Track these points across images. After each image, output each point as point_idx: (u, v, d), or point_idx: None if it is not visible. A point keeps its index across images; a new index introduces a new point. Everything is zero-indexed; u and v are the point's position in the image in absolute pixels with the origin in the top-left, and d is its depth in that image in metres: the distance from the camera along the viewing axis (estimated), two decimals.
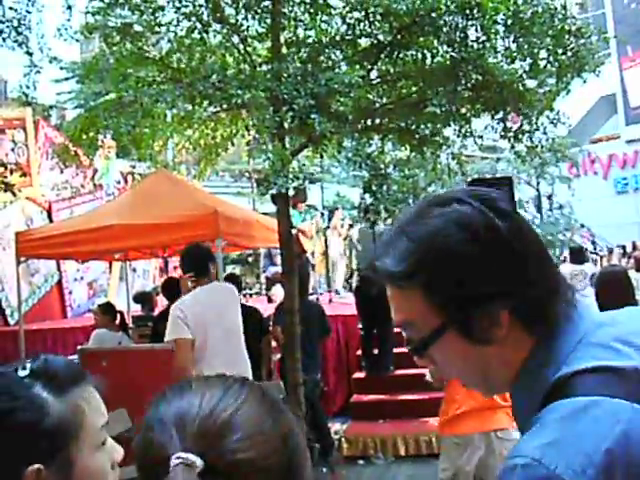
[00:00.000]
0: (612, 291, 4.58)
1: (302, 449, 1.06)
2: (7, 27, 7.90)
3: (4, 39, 8.06)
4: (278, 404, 1.06)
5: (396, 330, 9.14)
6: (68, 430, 1.29)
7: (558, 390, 1.11)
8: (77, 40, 7.79)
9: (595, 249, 23.07)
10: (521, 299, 1.18)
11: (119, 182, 16.11)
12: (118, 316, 8.56)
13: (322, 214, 14.93)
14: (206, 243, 7.91)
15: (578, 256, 11.52)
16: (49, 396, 1.29)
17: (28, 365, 1.33)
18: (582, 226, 23.70)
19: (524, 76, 6.85)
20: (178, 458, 0.93)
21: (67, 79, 8.12)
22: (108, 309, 8.61)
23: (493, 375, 1.26)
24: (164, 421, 0.99)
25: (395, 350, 9.29)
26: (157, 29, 7.15)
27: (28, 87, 7.67)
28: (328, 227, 14.77)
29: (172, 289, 8.64)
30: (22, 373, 1.32)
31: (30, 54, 7.99)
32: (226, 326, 5.36)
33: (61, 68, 7.83)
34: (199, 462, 0.92)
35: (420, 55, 6.85)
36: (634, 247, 20.22)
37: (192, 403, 1.00)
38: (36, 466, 1.23)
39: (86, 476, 1.31)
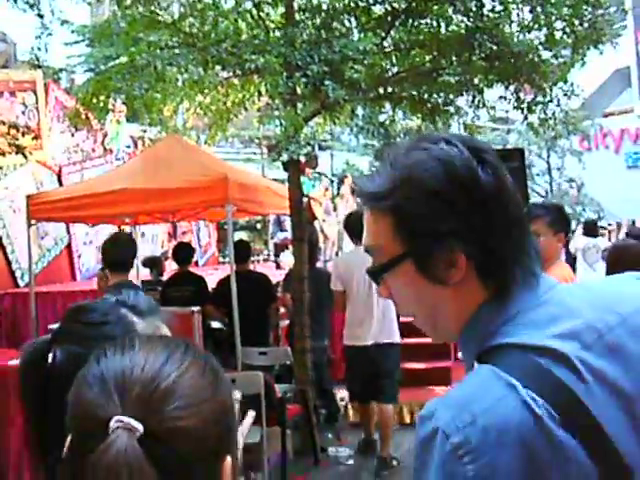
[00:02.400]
0: (625, 266, 4.56)
1: (235, 419, 1.08)
2: None
3: (15, 1, 8.03)
4: (218, 372, 1.06)
5: None
6: None
7: (484, 356, 1.15)
8: (89, 3, 7.76)
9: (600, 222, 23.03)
10: (481, 249, 1.20)
11: (129, 146, 16.08)
12: None
13: (332, 181, 14.91)
14: (215, 208, 7.94)
15: (591, 229, 11.48)
16: (134, 317, 1.54)
17: (112, 297, 1.57)
18: (591, 200, 23.60)
19: (539, 47, 6.80)
20: (118, 422, 0.92)
21: (78, 42, 8.08)
22: None
23: (442, 320, 1.28)
24: (105, 380, 0.97)
25: (402, 319, 9.32)
26: None
27: (39, 49, 7.66)
28: (338, 194, 14.76)
29: (183, 254, 8.70)
30: (109, 301, 1.56)
31: (41, 16, 7.96)
32: None
33: (72, 31, 7.80)
34: (140, 427, 0.92)
35: (435, 24, 6.80)
36: None
37: (135, 364, 0.98)
38: None
39: None
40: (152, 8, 7.08)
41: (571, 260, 11.10)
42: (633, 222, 21.20)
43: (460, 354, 1.28)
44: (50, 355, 1.47)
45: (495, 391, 1.05)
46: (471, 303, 1.23)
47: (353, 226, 7.17)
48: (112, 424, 0.92)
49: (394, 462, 6.81)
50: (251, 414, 3.04)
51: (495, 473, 0.99)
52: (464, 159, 1.19)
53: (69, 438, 0.99)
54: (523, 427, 1.01)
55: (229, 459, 1.01)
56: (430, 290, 1.24)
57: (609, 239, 17.27)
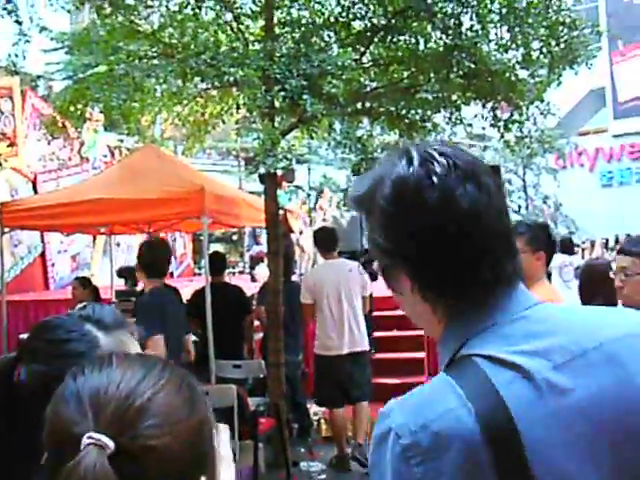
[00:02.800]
0: (595, 285, 4.61)
1: (211, 439, 1.06)
2: None
3: None
4: (196, 391, 1.06)
5: (376, 314, 9.21)
6: None
7: (448, 366, 1.19)
8: (68, 11, 7.72)
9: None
10: (421, 272, 1.22)
11: (106, 155, 16.01)
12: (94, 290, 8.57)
13: (308, 195, 14.93)
14: (191, 220, 7.91)
15: (567, 247, 11.56)
16: (98, 333, 1.51)
17: (77, 312, 1.56)
18: (566, 217, 23.83)
19: (516, 66, 6.88)
20: (90, 438, 0.92)
21: (56, 49, 8.04)
22: (87, 283, 8.59)
23: (427, 327, 1.30)
24: (80, 396, 0.98)
25: (376, 334, 9.33)
26: (150, 2, 7.12)
27: (17, 56, 7.61)
28: (314, 208, 14.77)
29: None
30: (74, 316, 1.55)
31: (19, 23, 7.91)
32: None
33: (51, 39, 7.75)
34: (111, 444, 0.92)
35: (414, 40, 6.86)
36: (617, 241, 20.34)
37: (111, 381, 0.98)
38: None
39: None
40: (132, 18, 7.07)
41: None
42: (606, 240, 21.39)
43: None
44: (15, 373, 1.46)
45: (448, 400, 1.09)
46: (441, 316, 1.25)
47: (322, 240, 7.48)
48: (84, 440, 0.92)
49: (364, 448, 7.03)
50: (224, 427, 3.02)
51: (440, 477, 1.05)
52: (414, 181, 1.20)
53: (45, 453, 0.99)
54: (466, 438, 1.05)
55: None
56: (409, 299, 1.27)
57: (582, 257, 17.42)
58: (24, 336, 1.70)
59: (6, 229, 8.09)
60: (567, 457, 1.08)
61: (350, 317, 6.99)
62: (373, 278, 9.27)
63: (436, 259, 1.20)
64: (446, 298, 1.23)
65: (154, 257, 5.69)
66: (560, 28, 6.65)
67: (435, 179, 1.19)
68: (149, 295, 5.68)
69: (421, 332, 9.59)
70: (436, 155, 1.22)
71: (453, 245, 1.19)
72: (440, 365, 1.26)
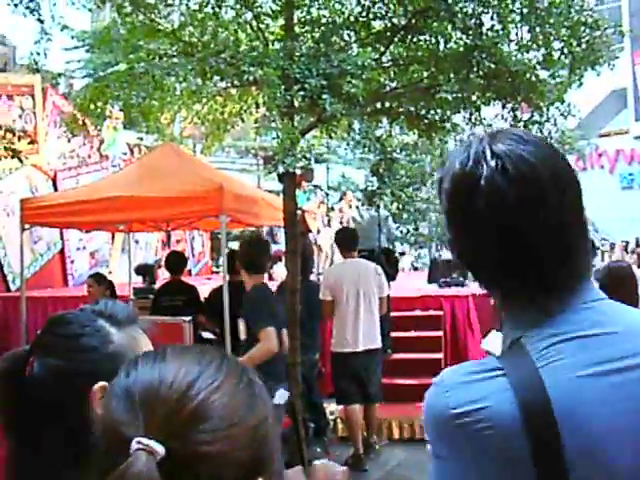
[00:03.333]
0: (616, 287, 4.57)
1: (273, 437, 1.00)
2: None
3: (16, 5, 8.02)
4: (255, 388, 1.00)
5: (394, 314, 9.19)
6: (127, 355, 1.46)
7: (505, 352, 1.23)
8: (89, 9, 7.76)
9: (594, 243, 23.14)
10: (478, 267, 1.27)
11: (125, 153, 16.09)
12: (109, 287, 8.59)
13: (327, 194, 14.93)
14: (210, 218, 7.93)
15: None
16: (111, 328, 1.53)
17: (90, 307, 1.58)
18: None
19: (537, 66, 6.83)
20: (139, 443, 0.88)
21: (77, 48, 8.11)
22: (102, 280, 8.60)
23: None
24: (131, 394, 0.94)
25: (393, 334, 9.32)
26: (170, 1, 7.14)
27: (39, 54, 7.65)
28: (332, 208, 14.76)
29: (175, 263, 8.68)
30: (87, 311, 1.57)
31: (41, 21, 7.96)
32: None
33: (72, 37, 7.80)
34: (161, 450, 0.88)
35: (434, 40, 6.82)
36: (637, 243, 20.20)
37: (164, 379, 0.94)
38: (102, 383, 1.38)
39: None
40: (152, 16, 7.10)
41: None
42: (627, 243, 21.25)
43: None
44: (27, 367, 1.48)
45: (493, 384, 1.14)
46: (500, 307, 1.30)
47: (343, 240, 7.72)
48: (133, 445, 0.88)
49: (376, 445, 7.56)
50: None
51: (482, 455, 1.12)
52: (465, 180, 1.23)
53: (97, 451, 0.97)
54: (506, 424, 1.10)
55: None
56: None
57: (602, 259, 17.31)
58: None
59: (26, 225, 8.15)
60: (605, 444, 1.10)
61: (367, 316, 7.14)
62: (390, 279, 9.28)
63: (486, 260, 1.24)
64: (501, 293, 1.27)
65: (254, 254, 5.95)
66: (582, 28, 6.59)
67: (482, 182, 1.20)
68: (255, 291, 5.83)
69: (439, 333, 9.62)
70: (488, 156, 1.22)
71: (502, 246, 1.21)
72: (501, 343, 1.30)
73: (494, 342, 4.65)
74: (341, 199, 15.45)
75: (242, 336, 5.76)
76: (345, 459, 7.27)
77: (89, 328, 1.51)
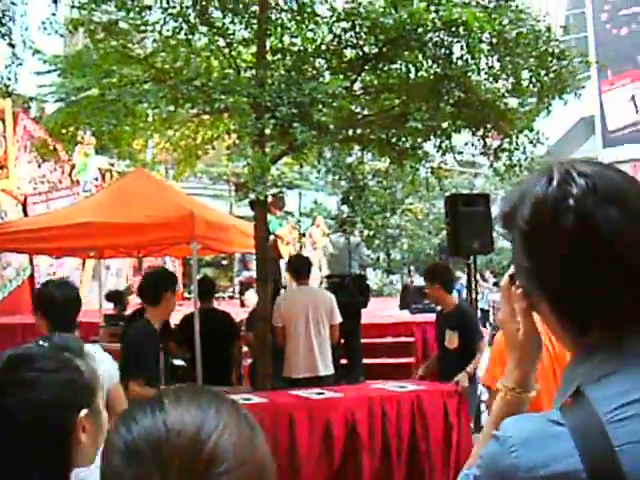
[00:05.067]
0: None
1: (273, 465, 0.99)
2: None
3: None
4: (252, 422, 0.99)
5: (365, 341, 9.18)
6: (95, 385, 1.62)
7: (567, 405, 1.14)
8: (61, 35, 7.75)
9: None
10: (558, 299, 1.18)
11: (97, 179, 16.00)
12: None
13: (299, 221, 14.95)
14: (181, 245, 7.90)
15: None
16: (76, 359, 1.62)
17: (46, 341, 1.65)
18: None
19: (506, 95, 6.93)
20: None
21: (49, 72, 8.07)
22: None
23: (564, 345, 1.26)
24: (139, 448, 0.90)
25: (365, 360, 9.30)
26: (143, 28, 7.14)
27: (9, 79, 7.63)
28: (304, 234, 14.77)
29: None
30: (47, 346, 1.64)
31: (12, 46, 7.95)
32: None
33: (44, 61, 7.78)
34: None
35: (404, 69, 6.90)
36: None
37: (170, 429, 0.90)
38: (85, 411, 1.55)
39: (104, 423, 1.67)
40: (124, 42, 7.10)
41: None
42: None
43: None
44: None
45: (560, 445, 1.07)
46: (571, 347, 1.22)
47: (296, 266, 7.60)
48: None
49: None
50: None
51: None
52: (554, 204, 1.16)
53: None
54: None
55: None
56: (547, 319, 1.24)
57: None
58: None
59: None
60: None
61: (317, 343, 7.11)
62: (362, 305, 9.27)
63: (569, 288, 1.15)
64: (578, 331, 1.18)
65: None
66: (549, 58, 6.71)
67: (571, 201, 1.14)
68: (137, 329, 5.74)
69: (410, 359, 9.61)
70: (575, 175, 1.16)
71: (592, 275, 1.13)
72: (560, 391, 1.20)
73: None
74: (312, 224, 15.50)
75: None
76: None
77: (63, 362, 1.57)
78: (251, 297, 11.21)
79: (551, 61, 6.71)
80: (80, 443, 1.53)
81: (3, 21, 8.03)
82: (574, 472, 1.03)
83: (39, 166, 13.15)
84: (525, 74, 6.83)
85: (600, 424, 1.06)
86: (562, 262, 1.15)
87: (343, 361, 9.31)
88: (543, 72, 6.74)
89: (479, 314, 9.98)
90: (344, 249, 12.31)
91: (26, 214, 13.47)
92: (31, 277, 14.04)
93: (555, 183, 1.17)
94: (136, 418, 0.94)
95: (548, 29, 6.78)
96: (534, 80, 6.81)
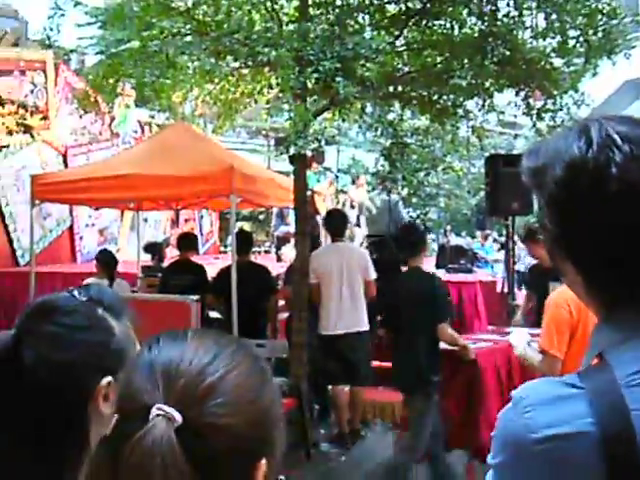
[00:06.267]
0: None
1: (281, 423, 1.07)
2: None
3: None
4: (266, 373, 1.07)
5: None
6: (127, 349, 1.45)
7: (590, 369, 1.13)
8: None
9: None
10: (594, 268, 1.15)
11: (136, 131, 16.06)
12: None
13: (337, 177, 14.91)
14: (219, 198, 7.94)
15: None
16: (111, 320, 1.47)
17: (83, 292, 1.47)
18: None
19: (552, 54, 6.79)
20: (159, 409, 0.93)
21: (90, 24, 8.06)
22: (101, 257, 8.48)
23: (589, 308, 1.24)
24: (153, 367, 0.99)
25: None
26: None
27: (51, 29, 7.63)
28: (344, 191, 14.75)
29: (187, 242, 8.71)
30: (82, 299, 1.47)
31: None
32: None
33: (85, 13, 7.77)
34: (179, 418, 0.93)
35: (448, 25, 6.80)
36: None
37: (184, 356, 1.00)
38: (108, 378, 1.40)
39: None
40: None
41: None
42: None
43: None
44: (17, 357, 1.36)
45: (576, 408, 1.07)
46: (600, 310, 1.19)
47: (332, 223, 7.70)
48: (153, 411, 0.94)
49: (363, 432, 7.59)
50: None
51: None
52: (591, 167, 1.11)
53: (114, 418, 1.00)
54: (586, 452, 1.04)
55: (264, 461, 1.01)
56: (573, 281, 1.21)
57: None
58: None
59: (36, 201, 8.17)
60: None
61: (349, 298, 7.19)
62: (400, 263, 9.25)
63: (607, 258, 1.12)
64: (609, 297, 1.15)
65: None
66: (599, 16, 6.54)
67: (614, 170, 1.08)
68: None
69: None
70: (618, 140, 1.10)
71: (630, 245, 1.10)
72: (586, 356, 1.19)
73: (519, 338, 4.63)
74: (353, 182, 15.42)
75: None
76: (330, 437, 7.37)
77: (94, 320, 1.44)
78: (287, 252, 11.29)
79: (600, 19, 6.54)
80: (101, 413, 1.38)
81: None
82: (586, 433, 1.03)
83: (80, 118, 13.13)
84: (572, 33, 6.68)
85: (617, 387, 1.06)
86: (598, 232, 1.11)
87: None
88: (591, 31, 6.58)
89: (516, 276, 9.92)
90: (383, 208, 12.26)
91: (66, 165, 13.60)
92: (70, 228, 14.22)
93: (595, 147, 1.11)
94: (160, 342, 1.04)
95: None
96: (582, 39, 6.65)
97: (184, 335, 1.05)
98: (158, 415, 0.93)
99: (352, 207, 14.54)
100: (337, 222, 7.67)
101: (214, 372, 0.99)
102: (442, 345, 5.77)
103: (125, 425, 0.97)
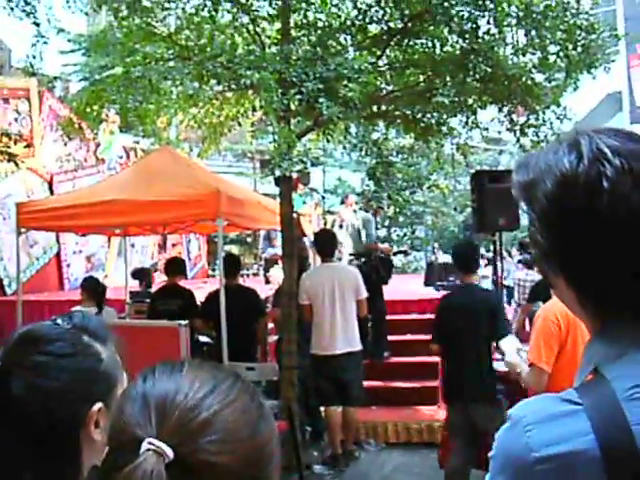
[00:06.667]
0: None
1: (276, 460, 1.04)
2: None
3: (12, 9, 8.02)
4: (263, 409, 1.04)
5: (390, 317, 9.20)
6: (115, 374, 1.45)
7: (585, 385, 1.12)
8: (85, 13, 7.76)
9: None
10: (584, 282, 1.13)
11: (121, 157, 16.08)
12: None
13: (323, 197, 14.93)
14: (206, 222, 7.92)
15: None
16: (98, 346, 1.45)
17: (66, 320, 1.46)
18: None
19: (533, 70, 6.84)
20: (151, 444, 0.91)
21: (73, 51, 8.08)
22: (86, 285, 8.45)
23: (582, 321, 1.22)
24: (147, 399, 0.97)
25: (390, 337, 9.32)
26: (166, 5, 7.13)
27: (34, 57, 7.64)
28: (332, 212, 14.75)
29: (174, 267, 8.67)
30: (66, 326, 1.46)
31: (37, 24, 7.95)
32: None
33: (68, 40, 7.79)
34: (170, 454, 0.91)
35: (430, 44, 6.84)
36: None
37: (179, 389, 0.98)
38: (99, 404, 1.39)
39: None
40: (148, 20, 7.09)
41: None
42: None
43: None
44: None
45: (576, 425, 1.05)
46: (592, 324, 1.17)
47: (322, 243, 7.72)
48: (144, 445, 0.92)
49: (356, 453, 7.60)
50: None
51: None
52: (581, 181, 1.09)
53: (106, 449, 0.99)
54: (589, 468, 1.02)
55: None
56: (563, 294, 1.20)
57: None
58: None
59: (22, 229, 8.13)
60: None
61: (342, 319, 7.21)
62: (383, 281, 9.27)
63: (599, 272, 1.10)
64: (602, 312, 1.14)
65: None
66: (578, 32, 6.61)
67: (606, 184, 1.07)
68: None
69: None
70: (609, 154, 1.09)
71: (622, 259, 1.08)
72: (579, 370, 1.18)
73: (510, 345, 4.67)
74: (342, 202, 15.46)
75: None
76: (323, 459, 7.34)
77: (81, 347, 1.43)
78: (276, 274, 11.26)
79: (579, 34, 6.60)
80: (92, 440, 1.38)
81: (28, 0, 8.03)
82: (588, 450, 1.01)
83: (65, 145, 13.18)
84: (553, 48, 6.74)
85: (617, 402, 1.04)
86: (590, 246, 1.09)
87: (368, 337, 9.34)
88: (571, 46, 6.64)
89: (504, 291, 9.93)
90: (369, 226, 12.28)
91: (52, 192, 13.57)
92: (58, 255, 14.17)
93: (586, 161, 1.09)
94: (155, 374, 1.02)
95: (577, 1, 6.68)
96: (562, 54, 6.72)
97: (180, 367, 1.03)
98: (149, 449, 0.91)
99: (340, 227, 14.54)
100: (326, 242, 7.69)
101: (209, 407, 0.96)
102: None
103: (116, 457, 0.95)
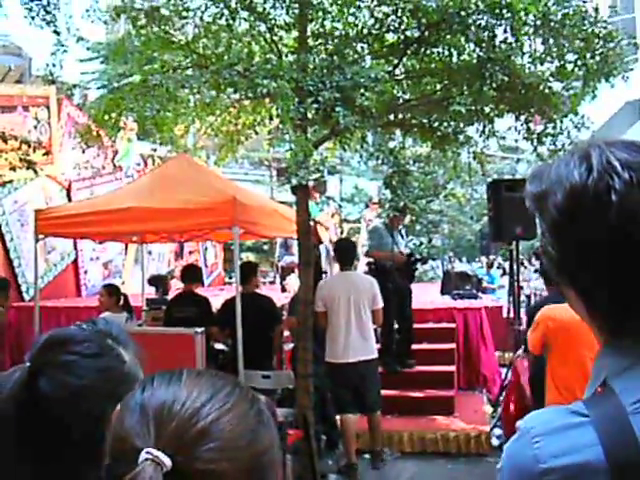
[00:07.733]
0: None
1: (276, 467, 1.04)
2: (37, 5, 7.94)
3: (33, 17, 8.11)
4: (263, 417, 1.04)
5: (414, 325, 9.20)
6: (136, 375, 1.48)
7: (594, 398, 1.12)
8: (104, 22, 7.82)
9: None
10: (592, 293, 1.14)
11: (139, 164, 16.15)
12: (122, 298, 8.63)
13: (340, 206, 14.95)
14: (222, 230, 7.95)
15: None
16: (120, 349, 1.50)
17: (90, 325, 1.52)
18: None
19: (550, 78, 6.82)
20: (149, 454, 0.92)
21: (92, 59, 8.17)
22: (114, 291, 8.64)
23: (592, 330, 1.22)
24: (145, 408, 0.98)
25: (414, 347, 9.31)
26: (184, 14, 7.17)
27: (54, 65, 7.71)
28: (346, 220, 14.76)
29: (190, 274, 8.72)
30: (91, 330, 1.51)
31: (57, 33, 8.03)
32: None
33: (87, 48, 7.87)
34: (168, 463, 0.92)
35: (447, 53, 6.83)
36: None
37: (177, 398, 0.98)
38: None
39: None
40: (166, 28, 7.14)
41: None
42: None
43: None
44: (33, 385, 1.40)
45: (583, 437, 1.06)
46: (601, 336, 1.18)
47: (342, 251, 7.80)
48: (142, 455, 0.92)
49: (387, 454, 7.72)
50: None
51: None
52: (590, 194, 1.09)
53: (107, 459, 1.00)
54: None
55: None
56: (574, 303, 1.21)
57: None
58: None
59: (40, 236, 8.19)
60: None
61: (357, 327, 7.25)
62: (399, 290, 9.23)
63: (602, 287, 1.11)
64: (612, 323, 1.14)
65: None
66: (596, 40, 6.57)
67: (614, 197, 1.07)
68: None
69: (451, 345, 9.58)
70: (618, 167, 1.09)
71: (631, 272, 1.08)
72: (589, 383, 1.17)
73: None
74: (367, 206, 15.47)
75: None
76: (338, 468, 7.31)
77: (106, 348, 1.48)
78: (292, 282, 11.26)
79: (597, 43, 6.57)
80: None
81: (48, 9, 8.11)
82: (595, 462, 1.02)
83: (83, 152, 13.18)
84: (570, 57, 6.71)
85: (624, 415, 1.05)
86: (598, 260, 1.09)
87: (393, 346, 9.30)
88: (589, 55, 6.61)
89: (524, 299, 9.88)
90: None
91: (70, 199, 13.65)
92: (75, 262, 14.24)
93: (596, 174, 1.09)
94: (154, 384, 1.03)
95: (595, 9, 6.65)
96: (579, 63, 6.69)
97: (179, 376, 1.03)
98: (147, 459, 0.92)
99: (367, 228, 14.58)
100: (346, 251, 7.74)
101: (206, 415, 0.97)
102: None
103: (115, 466, 0.96)
